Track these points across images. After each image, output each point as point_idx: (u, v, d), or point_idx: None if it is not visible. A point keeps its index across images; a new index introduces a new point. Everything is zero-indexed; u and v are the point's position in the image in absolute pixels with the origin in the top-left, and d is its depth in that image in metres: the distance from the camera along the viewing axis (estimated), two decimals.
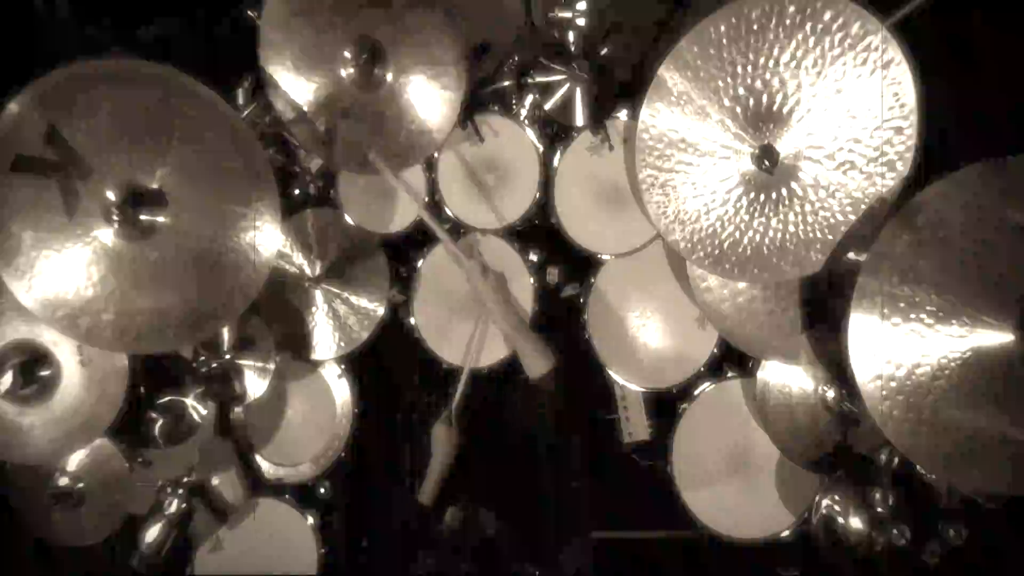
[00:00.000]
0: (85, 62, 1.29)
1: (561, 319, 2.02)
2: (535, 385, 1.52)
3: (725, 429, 1.83)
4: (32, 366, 1.57)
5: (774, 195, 1.41)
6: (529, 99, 1.94)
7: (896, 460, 1.45)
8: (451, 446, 1.72)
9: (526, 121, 1.91)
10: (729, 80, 1.37)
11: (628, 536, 2.13)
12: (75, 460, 1.77)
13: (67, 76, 1.28)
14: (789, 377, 1.68)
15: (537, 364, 1.54)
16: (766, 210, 1.42)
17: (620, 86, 1.82)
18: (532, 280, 1.92)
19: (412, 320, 1.95)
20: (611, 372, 1.91)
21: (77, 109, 1.28)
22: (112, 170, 1.30)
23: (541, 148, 1.88)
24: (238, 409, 1.88)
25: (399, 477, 1.87)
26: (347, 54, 1.54)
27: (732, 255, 1.46)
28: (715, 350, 1.84)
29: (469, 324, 1.94)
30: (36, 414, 1.59)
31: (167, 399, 1.75)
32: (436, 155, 1.86)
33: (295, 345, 1.90)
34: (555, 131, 1.95)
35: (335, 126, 1.60)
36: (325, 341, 1.91)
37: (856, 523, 1.51)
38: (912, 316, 1.21)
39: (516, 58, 1.94)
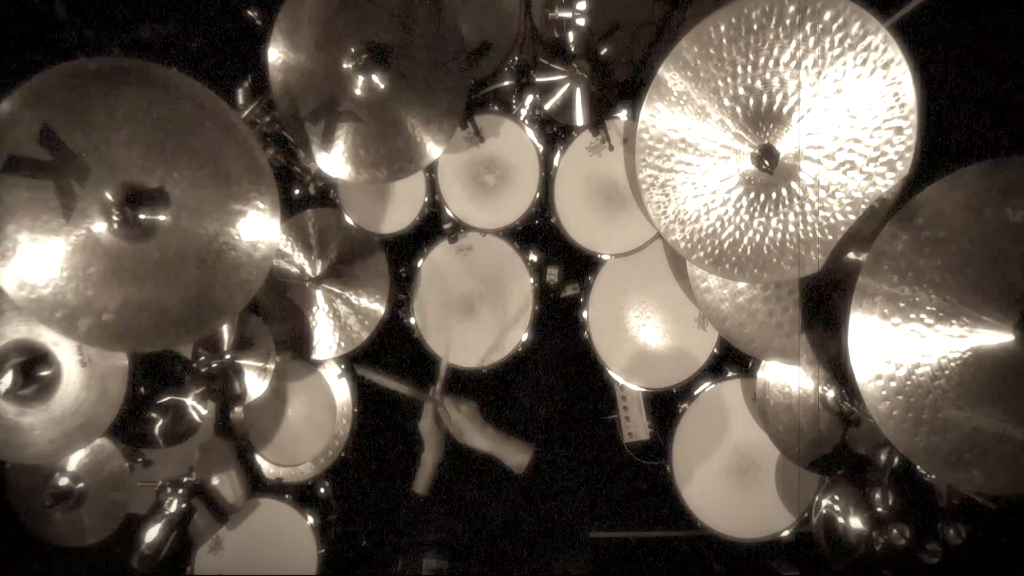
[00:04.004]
0: (85, 60, 1.28)
1: (561, 319, 2.02)
2: (523, 477, 1.68)
3: (725, 429, 1.83)
4: (32, 366, 1.57)
5: (774, 195, 1.41)
6: (529, 99, 1.94)
7: (896, 460, 1.45)
8: (439, 434, 1.74)
9: (526, 121, 1.91)
10: (729, 80, 1.37)
11: (628, 536, 2.14)
12: (75, 460, 1.77)
13: (65, 76, 1.27)
14: (789, 377, 1.68)
15: (517, 459, 1.68)
16: (766, 210, 1.42)
17: (620, 86, 1.82)
18: (532, 280, 1.92)
19: (412, 319, 1.96)
20: (611, 372, 1.91)
21: (76, 109, 1.28)
22: (111, 170, 1.30)
23: (541, 148, 1.89)
24: (238, 409, 1.88)
25: (397, 476, 1.87)
26: (352, 49, 1.54)
27: (732, 255, 1.46)
28: (715, 350, 1.84)
29: (468, 323, 1.95)
30: (36, 414, 1.59)
31: (167, 399, 1.75)
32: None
33: (295, 345, 1.90)
34: (555, 131, 1.95)
35: (334, 127, 1.60)
36: (325, 341, 1.91)
37: (856, 523, 1.51)
38: (912, 316, 1.21)
39: (516, 58, 1.94)
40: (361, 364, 1.86)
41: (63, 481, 1.77)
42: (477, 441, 1.72)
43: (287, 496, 1.88)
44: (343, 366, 1.94)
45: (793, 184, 1.39)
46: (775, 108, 1.36)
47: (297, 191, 1.97)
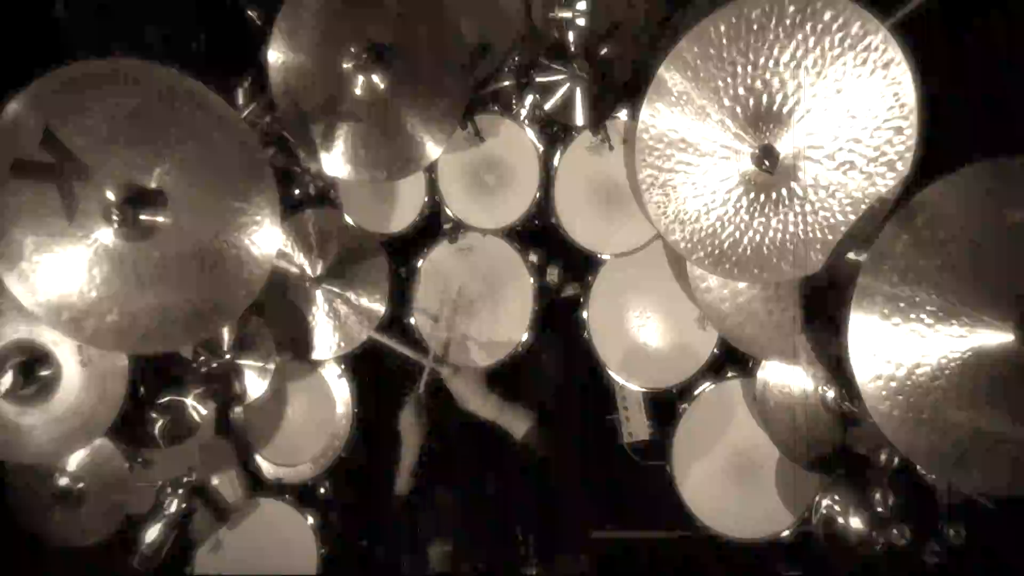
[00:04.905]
0: (84, 62, 1.29)
1: (561, 319, 2.02)
2: (524, 445, 1.64)
3: (725, 429, 1.83)
4: (32, 366, 1.57)
5: (774, 195, 1.41)
6: (529, 99, 1.94)
7: (896, 460, 1.45)
8: (419, 432, 1.72)
9: (526, 121, 1.91)
10: (729, 80, 1.37)
11: (628, 536, 2.13)
12: (75, 460, 1.77)
13: (66, 77, 1.28)
14: (789, 377, 1.68)
15: (519, 426, 1.64)
16: (766, 210, 1.42)
17: (620, 86, 1.82)
18: (532, 280, 1.92)
19: (412, 320, 1.96)
20: (611, 372, 1.91)
21: (76, 110, 1.28)
22: (111, 170, 1.31)
23: (541, 148, 1.89)
24: (238, 409, 1.88)
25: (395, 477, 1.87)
26: (352, 49, 1.54)
27: (732, 255, 1.46)
28: (715, 350, 1.84)
29: (468, 323, 1.94)
30: (36, 414, 1.59)
31: (167, 399, 1.75)
32: None
33: (295, 345, 1.90)
34: (555, 131, 1.95)
35: (334, 127, 1.60)
36: (325, 341, 1.91)
37: (856, 523, 1.51)
38: (912, 316, 1.21)
39: (516, 58, 1.94)
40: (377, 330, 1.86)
41: (63, 481, 1.77)
42: (478, 407, 1.70)
43: (287, 496, 1.88)
44: (343, 366, 1.94)
45: (793, 184, 1.39)
46: (775, 108, 1.36)
47: (297, 191, 1.97)
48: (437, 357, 1.81)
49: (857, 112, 1.32)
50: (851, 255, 1.40)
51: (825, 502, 1.61)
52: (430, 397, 1.78)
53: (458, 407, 1.74)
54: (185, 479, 1.68)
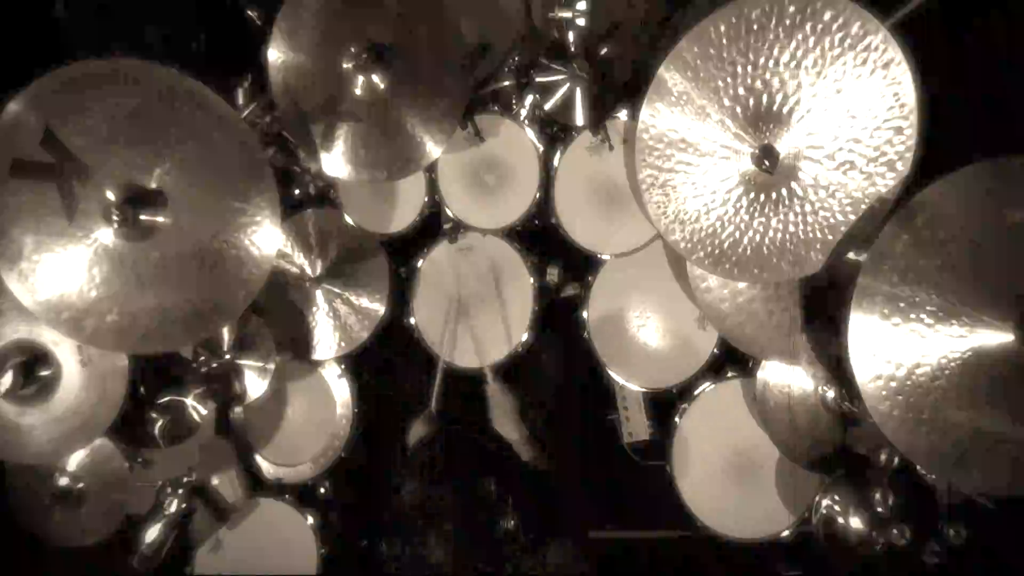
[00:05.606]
0: (84, 62, 1.28)
1: (561, 319, 2.02)
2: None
3: (725, 429, 1.83)
4: (32, 366, 1.57)
5: (774, 195, 1.41)
6: (529, 99, 1.94)
7: (896, 460, 1.45)
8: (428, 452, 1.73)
9: (526, 121, 1.91)
10: (729, 80, 1.37)
11: (628, 536, 2.13)
12: (75, 460, 1.77)
13: (66, 77, 1.28)
14: (789, 377, 1.67)
15: (531, 458, 1.65)
16: (766, 210, 1.42)
17: (620, 86, 1.83)
18: (532, 280, 1.92)
19: (412, 320, 1.96)
20: (611, 372, 1.91)
21: (76, 110, 1.28)
22: (111, 170, 1.30)
23: (541, 148, 1.89)
24: (238, 409, 1.88)
25: (396, 477, 1.87)
26: (352, 49, 1.54)
27: (732, 255, 1.46)
28: (715, 350, 1.84)
29: (469, 323, 1.95)
30: (36, 414, 1.59)
31: (167, 399, 1.75)
32: None
33: (295, 345, 1.90)
34: (555, 131, 1.95)
35: (334, 127, 1.60)
36: (325, 341, 1.91)
37: (856, 523, 1.51)
38: (912, 316, 1.21)
39: (516, 58, 1.94)
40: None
41: (63, 481, 1.77)
42: (508, 430, 1.71)
43: (287, 496, 1.88)
44: (343, 366, 1.94)
45: (793, 184, 1.39)
46: (775, 108, 1.36)
47: (297, 191, 1.98)
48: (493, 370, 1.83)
49: (857, 112, 1.32)
50: (851, 255, 1.40)
51: (825, 502, 1.61)
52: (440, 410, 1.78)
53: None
54: (185, 479, 1.68)
